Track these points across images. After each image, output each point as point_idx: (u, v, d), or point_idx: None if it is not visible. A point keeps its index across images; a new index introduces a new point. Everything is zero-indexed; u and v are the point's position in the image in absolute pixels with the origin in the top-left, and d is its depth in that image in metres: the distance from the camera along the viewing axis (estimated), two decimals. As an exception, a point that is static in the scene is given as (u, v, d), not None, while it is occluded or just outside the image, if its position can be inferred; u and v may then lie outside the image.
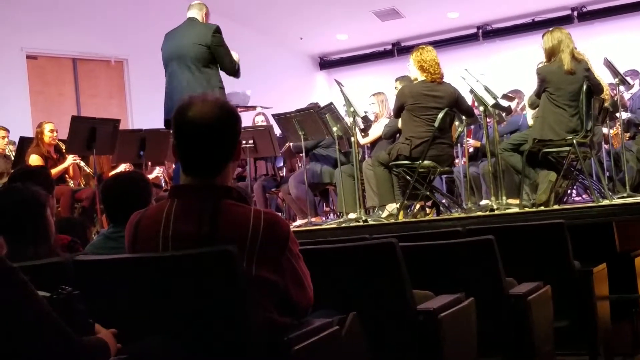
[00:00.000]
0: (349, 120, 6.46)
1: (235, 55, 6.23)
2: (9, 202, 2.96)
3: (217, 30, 6.07)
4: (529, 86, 6.42)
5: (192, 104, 2.18)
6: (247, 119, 8.26)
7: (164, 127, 6.45)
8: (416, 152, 5.85)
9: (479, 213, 5.77)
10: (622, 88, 6.85)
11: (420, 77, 6.01)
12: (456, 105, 6.01)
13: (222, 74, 6.17)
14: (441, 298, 2.76)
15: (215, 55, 6.03)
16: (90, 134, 6.68)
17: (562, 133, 5.61)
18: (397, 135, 6.65)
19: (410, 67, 6.15)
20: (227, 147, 2.19)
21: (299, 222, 7.20)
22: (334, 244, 3.15)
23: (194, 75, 6.02)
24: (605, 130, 7.17)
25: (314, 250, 2.79)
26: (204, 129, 2.15)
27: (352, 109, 6.25)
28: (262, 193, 7.78)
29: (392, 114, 6.87)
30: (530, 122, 6.91)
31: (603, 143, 7.26)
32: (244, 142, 6.62)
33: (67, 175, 7.53)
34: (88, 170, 7.69)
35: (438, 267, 3.15)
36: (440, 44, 12.17)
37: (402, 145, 5.95)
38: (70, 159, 7.42)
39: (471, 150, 7.93)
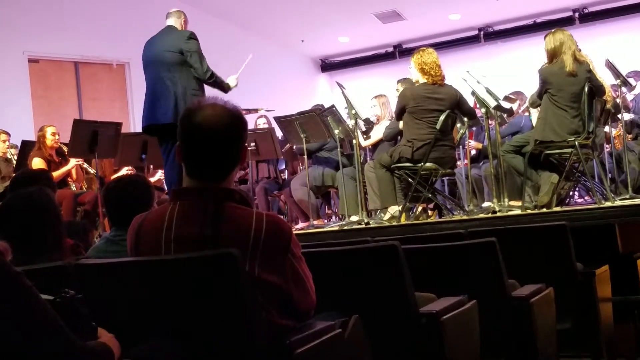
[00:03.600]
0: (350, 122, 6.47)
1: (233, 81, 6.27)
2: (28, 207, 2.94)
3: (191, 36, 6.10)
4: (531, 88, 6.42)
5: (202, 108, 2.18)
6: (249, 122, 8.26)
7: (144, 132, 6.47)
8: (418, 154, 5.85)
9: (481, 215, 5.76)
10: (624, 89, 6.84)
11: (421, 79, 6.01)
12: (458, 107, 6.02)
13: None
14: (443, 300, 2.75)
15: (188, 61, 6.03)
16: (92, 138, 6.70)
17: (563, 135, 5.60)
18: (399, 137, 6.65)
19: (411, 70, 6.15)
20: (235, 152, 2.20)
21: (301, 224, 7.20)
22: (336, 247, 3.14)
23: (167, 82, 6.04)
24: (607, 129, 7.16)
25: (316, 253, 2.78)
26: (214, 134, 2.15)
27: (353, 111, 6.26)
28: (264, 196, 7.79)
29: (393, 116, 6.88)
30: (535, 122, 6.90)
31: (605, 144, 7.25)
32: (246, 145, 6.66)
33: (69, 179, 7.54)
34: (91, 172, 7.69)
35: (440, 270, 3.15)
36: (441, 46, 12.19)
37: (404, 147, 5.95)
38: (73, 162, 7.42)
39: (473, 152, 7.92)
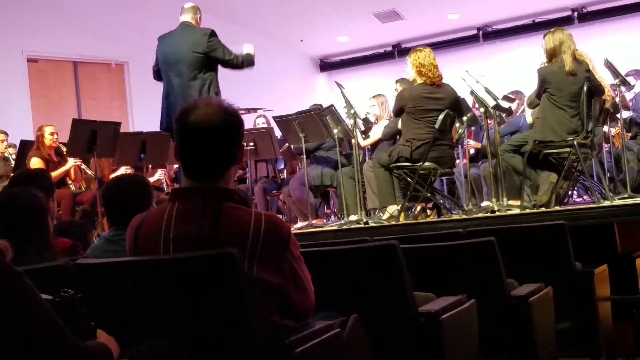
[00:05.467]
0: (349, 122, 6.46)
1: (250, 49, 6.22)
2: (12, 208, 2.95)
3: (212, 34, 6.08)
4: (530, 87, 6.42)
5: (196, 107, 2.17)
6: (248, 121, 8.27)
7: (166, 132, 6.46)
8: (417, 154, 5.85)
9: (480, 214, 5.76)
10: (623, 88, 6.84)
11: (418, 79, 6.00)
12: (455, 106, 6.01)
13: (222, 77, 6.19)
14: (443, 300, 2.76)
15: (215, 59, 6.04)
16: (91, 137, 6.69)
17: (562, 134, 5.61)
18: (397, 136, 6.65)
19: (407, 70, 6.14)
20: (230, 151, 2.19)
21: (299, 224, 7.19)
22: (335, 246, 3.14)
23: (189, 82, 6.03)
24: (605, 128, 7.17)
25: (315, 253, 2.79)
26: (208, 133, 2.15)
27: (352, 111, 6.25)
28: (263, 195, 7.78)
29: (392, 115, 6.87)
30: (529, 120, 6.91)
31: (604, 144, 7.25)
32: (244, 144, 6.65)
33: (68, 178, 7.53)
34: (89, 172, 7.69)
35: (439, 269, 3.15)
36: (440, 46, 12.21)
37: (403, 147, 5.94)
38: (71, 162, 7.42)
39: (472, 151, 7.92)
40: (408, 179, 5.92)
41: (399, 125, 6.31)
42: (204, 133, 2.15)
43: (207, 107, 2.17)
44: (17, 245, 2.79)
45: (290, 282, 2.16)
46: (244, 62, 6.15)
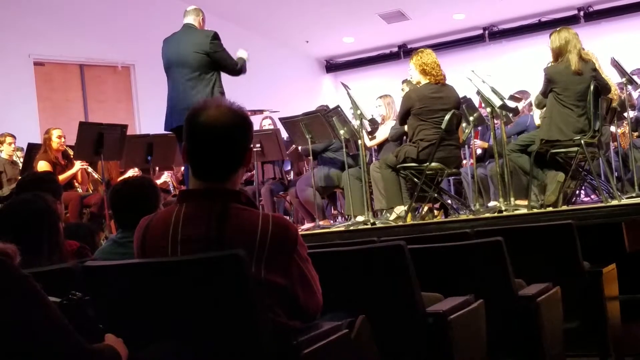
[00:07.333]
0: (355, 123, 6.46)
1: (243, 54, 6.27)
2: (23, 214, 2.97)
3: (215, 37, 6.11)
4: (536, 87, 6.41)
5: (207, 108, 2.17)
6: (254, 123, 8.26)
7: (171, 132, 6.47)
8: (424, 154, 5.84)
9: (487, 214, 5.75)
10: (630, 87, 6.83)
11: (423, 80, 6.00)
12: (459, 106, 6.01)
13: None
14: (450, 300, 2.75)
15: (216, 62, 6.06)
16: (97, 140, 6.71)
17: (569, 133, 5.59)
18: (404, 137, 6.64)
19: (411, 72, 6.14)
20: (239, 153, 2.19)
21: (307, 225, 7.20)
22: (343, 247, 3.14)
23: (193, 83, 6.05)
24: (613, 129, 7.15)
25: (322, 254, 2.78)
26: (217, 134, 2.15)
27: (359, 112, 6.25)
28: (270, 197, 7.79)
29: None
30: (537, 122, 6.89)
31: (611, 143, 7.24)
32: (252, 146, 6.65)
33: (75, 181, 7.55)
34: (96, 176, 7.72)
35: (447, 269, 3.14)
36: (446, 46, 12.22)
37: (410, 147, 5.94)
38: (79, 165, 7.44)
39: (479, 151, 7.91)
40: (415, 179, 5.92)
41: (406, 127, 6.31)
42: (213, 134, 2.15)
43: (217, 108, 2.17)
44: (28, 250, 2.81)
45: (297, 283, 2.16)
46: (243, 69, 6.20)
